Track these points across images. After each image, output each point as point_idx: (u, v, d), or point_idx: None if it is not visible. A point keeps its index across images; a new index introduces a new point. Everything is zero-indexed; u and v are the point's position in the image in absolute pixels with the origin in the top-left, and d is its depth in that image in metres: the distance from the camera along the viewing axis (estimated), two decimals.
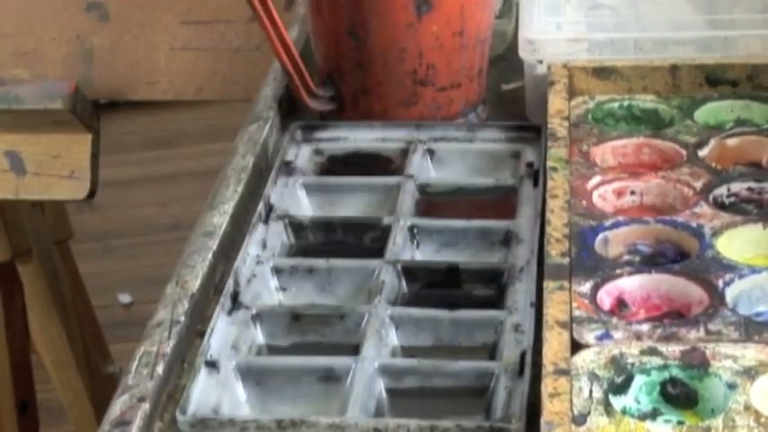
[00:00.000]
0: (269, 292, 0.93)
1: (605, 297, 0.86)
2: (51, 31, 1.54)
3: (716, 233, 0.91)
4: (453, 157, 1.08)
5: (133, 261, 2.63)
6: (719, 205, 0.96)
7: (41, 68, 1.53)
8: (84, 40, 1.53)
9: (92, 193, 1.53)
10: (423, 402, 0.83)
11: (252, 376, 0.84)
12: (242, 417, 0.82)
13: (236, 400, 0.84)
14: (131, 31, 1.52)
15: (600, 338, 0.82)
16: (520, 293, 0.90)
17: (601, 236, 0.92)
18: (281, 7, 1.36)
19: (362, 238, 0.99)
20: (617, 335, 0.82)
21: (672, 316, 0.85)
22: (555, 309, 0.83)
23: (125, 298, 2.53)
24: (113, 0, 1.52)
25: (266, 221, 0.99)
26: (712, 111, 1.08)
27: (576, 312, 0.84)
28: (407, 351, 0.88)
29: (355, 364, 0.83)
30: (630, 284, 0.87)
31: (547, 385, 0.77)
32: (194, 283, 0.92)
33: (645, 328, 0.83)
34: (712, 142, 1.03)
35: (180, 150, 2.94)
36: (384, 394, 0.84)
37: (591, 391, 0.78)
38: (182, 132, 2.92)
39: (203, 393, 0.82)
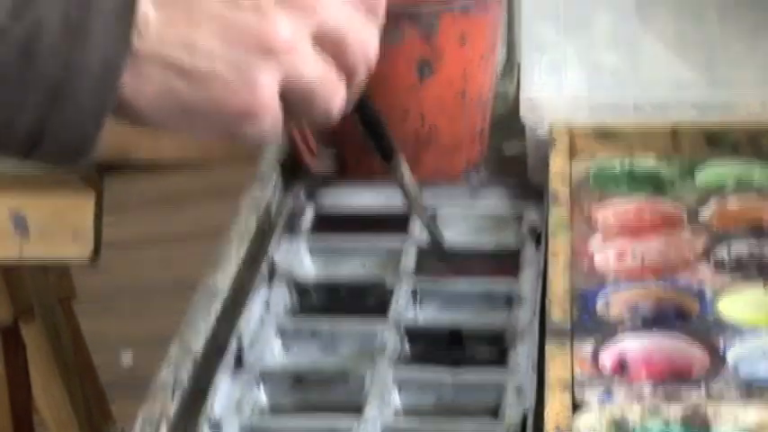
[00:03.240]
0: (272, 352, 0.94)
1: (607, 358, 0.86)
2: None
3: (717, 294, 0.92)
4: (456, 218, 1.08)
5: (136, 320, 2.63)
6: (720, 266, 0.96)
7: None
8: None
9: (95, 254, 1.53)
10: None
11: None
12: None
13: None
14: None
15: (601, 400, 0.82)
16: (522, 354, 0.90)
17: (602, 297, 0.92)
18: None
19: (365, 300, 0.99)
20: (619, 396, 0.82)
21: (673, 377, 0.86)
22: (556, 370, 0.84)
23: (127, 357, 2.52)
24: None
25: (270, 283, 0.99)
26: (713, 172, 1.09)
27: (578, 373, 0.84)
28: (410, 412, 0.88)
29: (358, 425, 0.83)
30: (632, 346, 0.87)
31: None
32: (197, 345, 0.93)
33: (646, 389, 0.83)
34: (713, 204, 1.04)
35: (183, 210, 2.94)
36: None
37: None
38: (185, 192, 2.92)
39: None
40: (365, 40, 0.78)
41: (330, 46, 0.74)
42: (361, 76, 0.79)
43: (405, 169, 0.98)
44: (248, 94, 0.70)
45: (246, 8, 0.69)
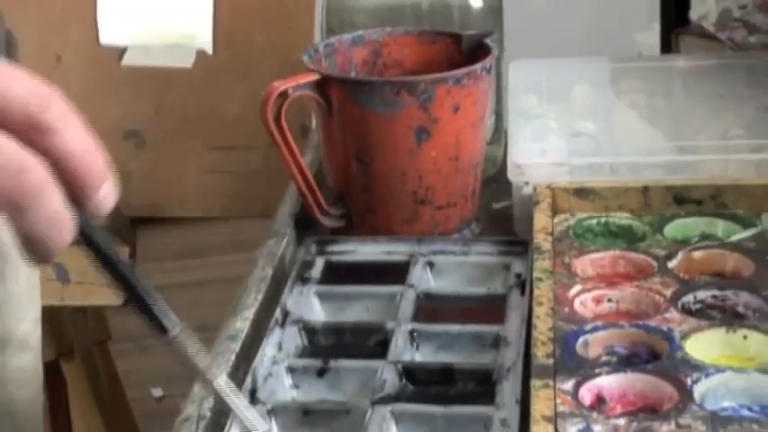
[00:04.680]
0: (283, 389, 0.93)
1: (586, 394, 0.85)
2: None
3: (684, 336, 0.91)
4: (450, 269, 1.08)
5: (165, 359, 2.61)
6: (687, 311, 0.95)
7: None
8: (122, 165, 1.54)
9: (127, 300, 1.52)
10: None
11: None
12: None
13: None
14: (164, 156, 1.52)
15: (582, 431, 0.81)
16: (507, 391, 0.89)
17: (582, 339, 0.91)
18: (298, 135, 1.36)
19: (367, 341, 0.98)
20: (597, 428, 0.81)
21: (646, 411, 0.84)
22: (541, 405, 0.83)
23: (158, 392, 2.52)
24: (149, 129, 1.53)
25: (282, 326, 0.99)
26: (680, 227, 1.08)
27: (560, 408, 0.83)
28: None
29: None
30: (609, 382, 0.86)
31: None
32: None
33: (622, 422, 0.82)
34: (680, 255, 1.03)
35: (207, 260, 2.95)
36: None
37: None
38: (209, 244, 2.93)
39: None
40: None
41: None
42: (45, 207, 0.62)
43: (188, 342, 0.77)
44: None
45: None
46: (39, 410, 1.10)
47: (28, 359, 1.09)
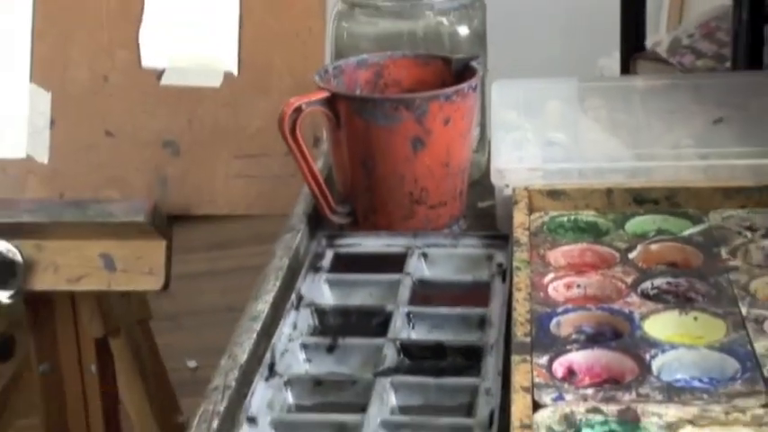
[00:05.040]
0: (298, 363, 0.92)
1: (559, 367, 0.84)
2: (136, 163, 1.54)
3: (643, 318, 0.90)
4: (442, 259, 1.07)
5: (198, 335, 2.62)
6: (645, 296, 0.94)
7: (128, 191, 1.53)
8: (160, 170, 1.53)
9: (166, 285, 1.53)
10: None
11: (283, 429, 0.83)
12: None
13: None
14: (197, 163, 1.52)
15: (555, 400, 0.80)
16: (491, 365, 0.88)
17: (555, 320, 0.90)
18: (310, 144, 1.36)
19: (370, 322, 0.97)
20: (568, 397, 0.80)
21: (610, 382, 0.83)
22: (520, 377, 0.82)
23: (192, 363, 2.51)
24: (184, 139, 1.53)
25: (297, 308, 0.98)
26: (639, 223, 1.07)
27: (536, 380, 0.82)
28: (403, 410, 0.86)
29: (363, 420, 0.81)
30: (578, 358, 0.85)
31: None
32: (242, 357, 0.91)
33: (590, 391, 0.81)
34: (639, 247, 1.02)
35: (233, 252, 2.95)
36: None
37: None
38: (235, 238, 2.93)
39: None
40: None
41: None
42: None
43: None
44: None
45: None
46: None
47: None
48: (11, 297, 1.53)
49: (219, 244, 2.99)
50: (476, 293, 1.00)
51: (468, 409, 0.84)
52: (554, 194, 1.10)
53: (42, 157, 1.55)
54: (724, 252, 1.00)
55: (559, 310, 0.92)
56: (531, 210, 1.09)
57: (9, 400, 1.78)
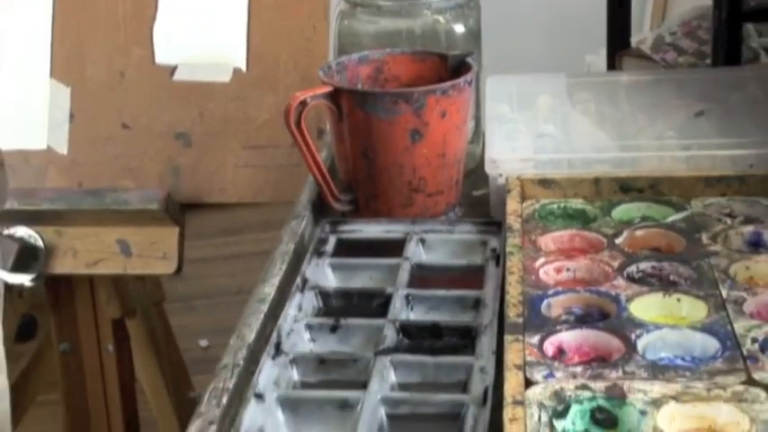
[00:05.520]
0: (303, 342, 0.91)
1: (549, 346, 0.84)
2: (150, 153, 1.53)
3: (629, 300, 0.89)
4: (438, 244, 1.06)
5: (209, 316, 2.62)
6: (631, 279, 0.93)
7: (143, 180, 1.53)
8: (173, 160, 1.52)
9: (179, 269, 1.52)
10: (413, 425, 0.80)
11: (288, 405, 0.82)
12: None
13: (277, 422, 0.81)
14: (207, 153, 1.51)
15: (546, 377, 0.79)
16: (485, 344, 0.87)
17: (545, 302, 0.90)
18: (315, 136, 1.35)
19: (371, 303, 0.96)
20: (558, 375, 0.79)
21: (598, 361, 0.83)
22: (512, 355, 0.81)
23: (204, 343, 2.51)
24: (195, 131, 1.52)
25: (302, 291, 0.97)
26: (625, 210, 1.06)
27: (528, 358, 0.81)
28: (402, 386, 0.85)
29: (364, 397, 0.81)
30: (567, 337, 0.85)
31: (507, 412, 0.74)
32: (250, 337, 0.91)
33: (578, 369, 0.80)
34: (625, 233, 1.01)
35: (242, 237, 2.94)
36: (384, 419, 0.81)
37: (540, 417, 0.75)
38: (244, 225, 2.92)
39: (252, 418, 0.80)
40: None
41: None
42: None
43: None
44: None
45: None
46: (9, 422, 1.06)
47: (3, 379, 1.05)
48: (33, 280, 1.52)
49: (230, 230, 2.99)
50: (471, 277, 0.99)
51: (464, 387, 0.84)
52: (545, 183, 1.09)
53: (62, 148, 1.55)
54: (705, 238, 0.99)
55: (550, 292, 0.91)
56: (523, 198, 1.09)
57: (31, 377, 1.78)
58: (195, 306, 2.70)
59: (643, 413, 0.75)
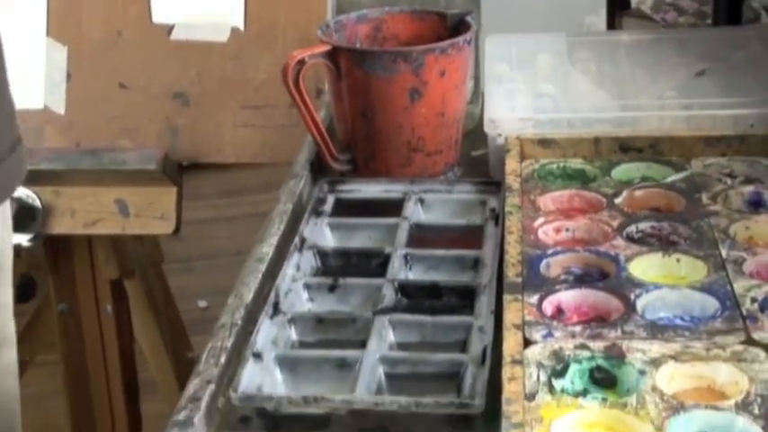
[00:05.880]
0: (301, 301, 0.91)
1: (548, 306, 0.83)
2: (148, 113, 1.52)
3: (628, 259, 0.89)
4: (437, 204, 1.06)
5: (208, 277, 2.62)
6: (630, 239, 0.93)
7: (141, 140, 1.52)
8: (171, 120, 1.51)
9: (177, 229, 1.52)
10: (411, 384, 0.80)
11: (286, 364, 0.82)
12: (278, 394, 0.79)
13: (275, 381, 0.81)
14: (205, 113, 1.51)
15: (544, 337, 0.79)
16: (484, 304, 0.87)
17: (544, 261, 0.89)
18: (313, 96, 1.34)
19: (370, 263, 0.96)
20: (557, 334, 0.79)
21: (597, 320, 0.83)
22: (511, 315, 0.81)
23: (203, 303, 2.50)
24: (193, 91, 1.51)
25: (300, 250, 0.97)
26: (624, 170, 1.06)
27: (527, 318, 0.81)
28: (401, 346, 0.85)
29: (362, 356, 0.81)
30: (566, 297, 0.84)
31: (506, 372, 0.74)
32: (248, 296, 0.90)
33: (577, 329, 0.80)
34: (625, 193, 1.00)
35: (241, 199, 2.93)
36: (383, 378, 0.81)
37: (538, 376, 0.75)
38: (243, 186, 2.91)
39: (250, 377, 0.79)
40: None
41: None
42: None
43: None
44: None
45: None
46: (18, 399, 1.06)
47: (13, 354, 1.05)
48: (31, 240, 1.52)
49: (229, 192, 2.98)
50: (470, 236, 0.99)
51: (462, 346, 0.83)
52: (544, 143, 1.09)
53: (59, 108, 1.54)
54: (705, 198, 0.99)
55: (549, 252, 0.91)
56: (522, 158, 1.08)
57: (30, 337, 1.78)
58: (194, 267, 2.70)
59: (642, 373, 0.75)
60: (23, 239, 1.51)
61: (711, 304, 0.82)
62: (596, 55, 1.32)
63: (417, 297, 0.90)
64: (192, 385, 0.80)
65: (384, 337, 0.84)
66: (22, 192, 1.50)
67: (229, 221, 2.86)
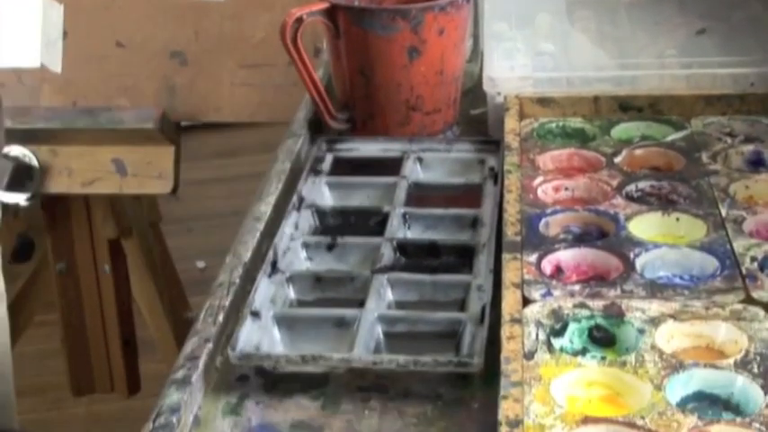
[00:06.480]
0: (299, 260, 0.90)
1: (547, 265, 0.83)
2: (146, 72, 1.51)
3: (628, 218, 0.88)
4: (436, 163, 1.05)
5: (206, 237, 2.61)
6: (630, 198, 0.93)
7: (138, 99, 1.51)
8: (168, 79, 1.51)
9: (174, 189, 1.51)
10: (410, 343, 0.80)
11: (284, 323, 0.81)
12: (276, 353, 0.79)
13: (273, 340, 0.81)
14: (203, 72, 1.50)
15: (543, 296, 0.79)
16: (482, 262, 0.86)
17: (543, 220, 0.89)
18: (311, 54, 1.33)
19: (368, 222, 0.95)
20: (556, 293, 0.79)
21: (596, 279, 0.82)
22: (510, 274, 0.80)
23: (201, 264, 2.50)
24: (191, 50, 1.50)
25: (299, 209, 0.96)
26: (624, 129, 1.05)
27: (526, 276, 0.81)
28: (399, 305, 0.85)
29: (361, 314, 0.80)
30: (565, 256, 0.84)
31: (505, 330, 0.74)
32: (246, 255, 0.90)
33: (576, 288, 0.80)
34: (624, 152, 1.00)
35: (239, 158, 2.92)
36: (381, 336, 0.80)
37: (537, 335, 0.75)
38: (240, 145, 2.90)
39: (248, 335, 0.79)
40: None
41: None
42: None
43: None
44: None
45: None
46: (9, 352, 1.06)
47: (3, 309, 1.05)
48: (28, 199, 1.51)
49: (227, 152, 2.97)
50: (468, 195, 0.98)
51: (461, 305, 0.83)
52: (543, 102, 1.08)
53: (56, 66, 1.53)
54: (705, 157, 0.98)
55: (548, 211, 0.90)
56: (521, 116, 1.07)
57: (28, 297, 1.78)
58: (192, 228, 2.69)
59: (641, 331, 0.74)
60: (21, 199, 1.51)
61: (711, 263, 0.82)
62: (596, 14, 1.31)
63: (416, 256, 0.90)
64: (190, 344, 0.79)
65: (382, 296, 0.84)
66: (19, 151, 1.49)
67: (227, 182, 2.85)
